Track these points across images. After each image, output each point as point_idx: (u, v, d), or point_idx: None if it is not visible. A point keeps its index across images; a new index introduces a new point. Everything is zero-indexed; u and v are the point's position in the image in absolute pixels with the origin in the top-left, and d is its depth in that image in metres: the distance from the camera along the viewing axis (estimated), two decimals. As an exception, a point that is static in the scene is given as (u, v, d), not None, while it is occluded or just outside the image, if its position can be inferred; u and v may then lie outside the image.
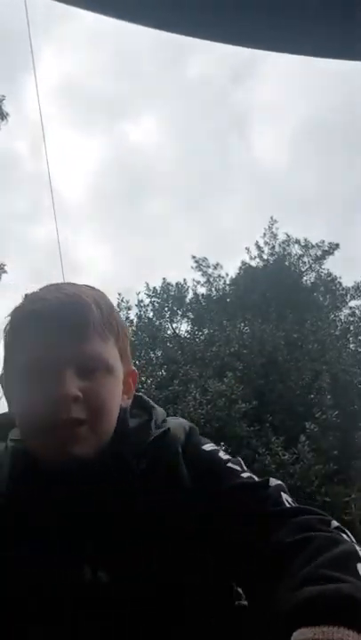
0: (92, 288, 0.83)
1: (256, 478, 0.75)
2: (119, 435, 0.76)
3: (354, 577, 0.55)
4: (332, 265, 13.42)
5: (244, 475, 0.75)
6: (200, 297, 13.19)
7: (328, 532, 0.64)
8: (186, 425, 0.84)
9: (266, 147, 23.38)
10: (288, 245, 13.19)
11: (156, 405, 0.86)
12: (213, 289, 13.27)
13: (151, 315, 12.71)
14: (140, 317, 12.39)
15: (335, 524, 0.66)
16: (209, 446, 0.81)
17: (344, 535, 0.64)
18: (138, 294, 12.81)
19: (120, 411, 0.78)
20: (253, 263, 13.26)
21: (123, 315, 10.82)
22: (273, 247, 13.20)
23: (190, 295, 13.15)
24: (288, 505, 0.70)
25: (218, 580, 0.73)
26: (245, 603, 0.74)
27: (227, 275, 13.38)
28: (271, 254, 13.18)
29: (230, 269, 14.96)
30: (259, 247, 13.25)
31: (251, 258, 13.29)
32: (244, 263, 13.30)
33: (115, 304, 0.87)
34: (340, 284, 13.29)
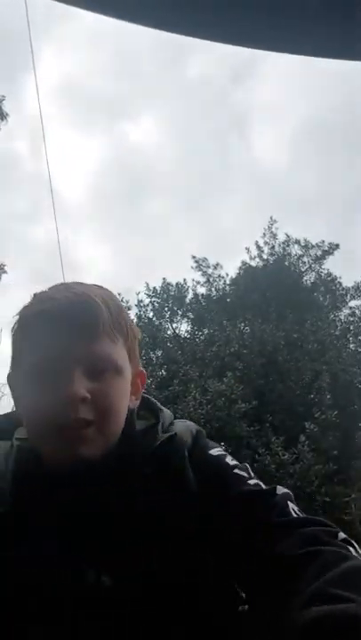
0: (101, 287, 0.82)
1: (263, 486, 0.74)
2: (126, 437, 0.76)
3: None
4: (332, 265, 13.43)
5: (251, 482, 0.74)
6: (200, 297, 13.19)
7: (335, 545, 0.63)
8: (193, 428, 0.83)
9: (266, 147, 23.39)
10: (288, 245, 13.20)
11: (163, 408, 0.85)
12: (213, 289, 13.27)
13: (151, 315, 12.71)
14: (140, 317, 12.38)
15: (342, 535, 0.66)
16: (216, 451, 0.80)
17: (351, 549, 0.63)
18: (138, 294, 12.80)
19: (128, 412, 0.77)
20: (253, 263, 13.27)
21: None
22: (273, 247, 13.20)
23: (190, 295, 13.16)
24: (295, 515, 0.69)
25: (219, 581, 0.73)
26: (246, 607, 0.74)
27: (227, 275, 13.39)
28: (271, 254, 13.18)
29: (230, 269, 14.97)
30: (259, 247, 13.26)
31: (251, 258, 13.30)
32: (244, 263, 13.31)
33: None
34: (340, 284, 13.30)
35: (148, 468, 0.74)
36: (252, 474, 0.77)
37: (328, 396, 8.76)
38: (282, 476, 7.83)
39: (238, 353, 9.62)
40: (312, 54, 1.44)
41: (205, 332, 11.95)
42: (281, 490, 0.73)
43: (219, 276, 13.37)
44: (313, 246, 13.23)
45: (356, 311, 12.72)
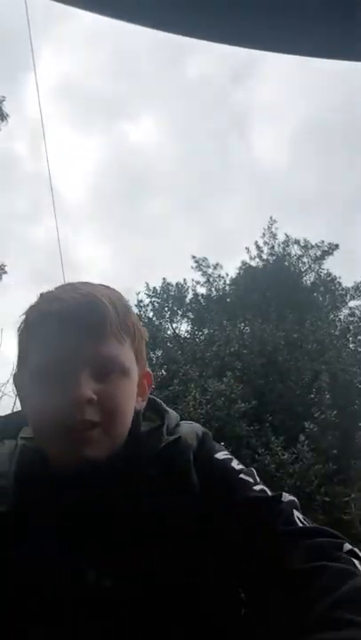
0: (108, 288, 0.82)
1: (268, 492, 0.74)
2: (132, 438, 0.75)
3: None
4: (331, 265, 13.42)
5: (257, 487, 0.74)
6: (200, 297, 13.18)
7: (341, 559, 0.62)
8: (199, 431, 0.82)
9: (266, 147, 23.36)
10: (288, 245, 13.20)
11: (169, 409, 0.85)
12: (213, 289, 13.27)
13: (151, 315, 12.71)
14: (139, 317, 12.30)
15: (347, 547, 0.65)
16: (222, 455, 0.79)
17: (356, 562, 0.62)
18: (138, 294, 12.78)
19: (134, 413, 0.77)
20: (253, 263, 13.27)
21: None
22: (273, 247, 13.20)
23: (190, 295, 13.15)
24: (300, 523, 0.68)
25: (219, 582, 0.73)
26: (246, 608, 0.73)
27: (227, 275, 13.39)
28: (271, 254, 13.18)
29: (230, 269, 14.96)
30: (258, 247, 13.26)
31: (251, 258, 13.30)
32: (244, 263, 13.31)
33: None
34: (340, 284, 13.30)
35: (153, 470, 0.74)
36: (258, 479, 0.76)
37: (328, 396, 8.76)
38: (281, 476, 7.82)
39: (238, 353, 9.62)
40: (312, 54, 1.44)
41: (205, 331, 11.94)
42: (287, 497, 0.72)
43: (219, 276, 13.37)
44: (313, 246, 13.23)
45: (356, 311, 12.73)
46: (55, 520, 0.70)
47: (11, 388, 6.87)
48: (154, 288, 12.95)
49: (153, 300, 12.86)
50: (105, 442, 0.71)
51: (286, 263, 13.04)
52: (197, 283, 13.31)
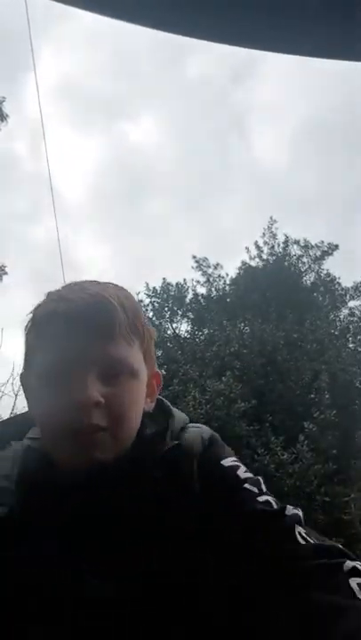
0: (117, 287, 0.80)
1: (273, 503, 0.71)
2: (139, 440, 0.74)
3: None
4: (331, 265, 13.42)
5: (261, 499, 0.72)
6: (200, 297, 13.18)
7: (338, 588, 0.60)
8: (206, 435, 0.80)
9: (266, 147, 23.34)
10: (288, 246, 13.19)
11: (175, 412, 0.82)
12: (213, 289, 13.27)
13: (151, 315, 12.70)
14: (140, 317, 12.34)
15: (348, 565, 0.62)
16: (229, 461, 0.77)
17: (355, 583, 0.60)
18: (138, 294, 12.77)
19: (142, 415, 0.76)
20: (253, 263, 13.26)
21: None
22: (273, 247, 13.20)
23: (190, 295, 13.14)
24: (301, 540, 0.66)
25: (219, 582, 0.73)
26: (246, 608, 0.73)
27: (227, 275, 13.39)
28: (271, 254, 13.17)
29: (230, 269, 14.94)
30: (258, 247, 13.25)
31: (251, 258, 13.30)
32: (244, 263, 13.30)
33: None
34: (340, 284, 13.30)
35: (156, 472, 0.73)
36: (264, 489, 0.74)
37: (327, 396, 8.75)
38: (281, 476, 7.82)
39: (238, 353, 9.61)
40: (312, 54, 1.44)
41: (205, 331, 11.94)
42: (290, 511, 0.70)
43: (219, 275, 13.37)
44: (313, 246, 13.23)
45: (356, 311, 12.73)
46: (56, 521, 0.69)
47: (10, 388, 6.84)
48: (154, 288, 12.96)
49: (153, 300, 12.86)
50: (112, 445, 0.70)
51: (286, 263, 13.04)
52: (198, 282, 13.32)
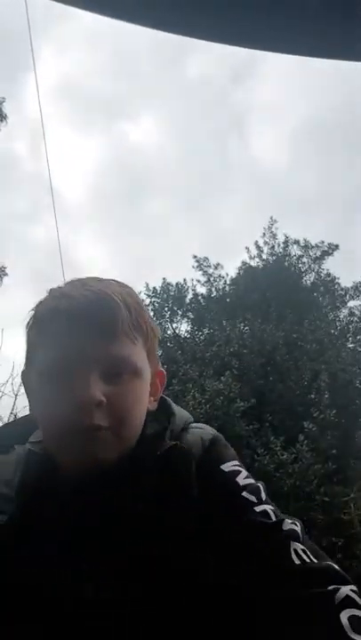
0: (120, 284, 0.78)
1: (271, 514, 0.69)
2: (140, 440, 0.73)
3: None
4: (331, 265, 13.42)
5: (259, 508, 0.69)
6: (200, 297, 13.18)
7: (329, 622, 0.58)
8: (206, 436, 0.77)
9: (266, 147, 23.35)
10: (288, 246, 13.19)
11: (177, 411, 0.80)
12: (213, 289, 13.26)
13: (151, 315, 12.67)
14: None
15: (342, 594, 0.60)
16: (229, 465, 0.74)
17: (345, 618, 0.58)
18: (138, 294, 12.77)
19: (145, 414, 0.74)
20: (253, 263, 13.26)
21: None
22: (273, 247, 13.20)
23: (190, 295, 13.14)
24: (295, 559, 0.64)
25: (219, 582, 0.73)
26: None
27: (227, 275, 13.39)
28: (271, 254, 13.17)
29: (230, 269, 14.95)
30: (258, 247, 13.25)
31: (251, 258, 13.30)
32: (244, 263, 13.30)
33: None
34: (339, 284, 13.30)
35: (155, 472, 0.72)
36: (264, 497, 0.71)
37: (327, 396, 8.75)
38: (281, 476, 7.81)
39: (238, 353, 9.61)
40: (312, 54, 1.44)
41: (205, 331, 11.94)
42: (287, 525, 0.67)
43: (219, 275, 13.37)
44: (313, 247, 13.22)
45: (355, 311, 12.72)
46: (57, 523, 0.69)
47: (10, 388, 6.84)
48: (154, 288, 12.95)
49: (153, 299, 12.86)
50: (116, 444, 0.69)
51: (286, 263, 13.03)
52: (198, 282, 13.31)
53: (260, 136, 23.48)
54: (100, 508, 0.69)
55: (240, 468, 0.75)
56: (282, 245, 13.16)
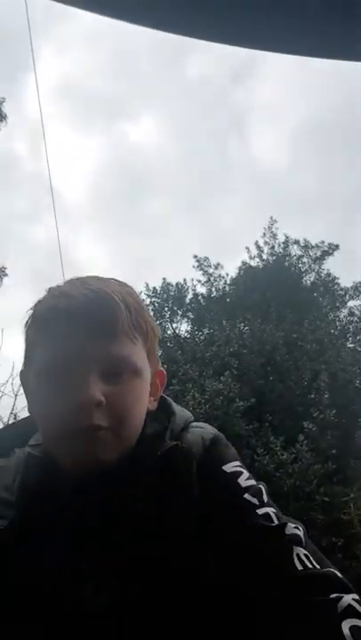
0: (120, 283, 0.78)
1: (273, 516, 0.68)
2: (140, 440, 0.73)
3: None
4: (331, 265, 13.43)
5: (261, 511, 0.68)
6: (200, 297, 13.18)
7: (330, 633, 0.57)
8: (207, 436, 0.76)
9: (266, 147, 23.35)
10: (288, 246, 13.19)
11: (177, 410, 0.80)
12: (213, 289, 13.26)
13: (151, 314, 12.68)
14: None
15: (344, 602, 0.59)
16: (231, 466, 0.73)
17: (346, 628, 0.57)
18: (138, 294, 12.76)
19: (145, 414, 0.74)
20: (253, 263, 13.26)
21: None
22: (273, 247, 13.20)
23: (190, 295, 13.14)
24: (298, 565, 0.63)
25: (219, 582, 0.72)
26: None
27: (227, 275, 13.38)
28: (271, 254, 13.17)
29: (230, 269, 14.95)
30: (259, 247, 13.25)
31: (251, 258, 13.30)
32: (244, 263, 13.30)
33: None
34: (339, 284, 13.30)
35: (155, 472, 0.71)
36: (266, 499, 0.70)
37: (327, 396, 8.75)
38: (281, 476, 7.81)
39: (238, 353, 9.61)
40: (312, 54, 1.44)
41: (205, 331, 11.94)
42: (290, 529, 0.66)
43: (219, 275, 13.37)
44: (313, 247, 13.22)
45: (355, 311, 12.73)
46: (58, 525, 0.69)
47: (10, 388, 6.84)
48: (154, 288, 12.95)
49: (153, 299, 12.85)
50: (115, 445, 0.69)
51: (286, 263, 13.03)
52: (198, 282, 13.31)
53: (260, 136, 23.49)
54: (100, 508, 0.69)
55: (242, 469, 0.74)
56: (282, 245, 13.17)
